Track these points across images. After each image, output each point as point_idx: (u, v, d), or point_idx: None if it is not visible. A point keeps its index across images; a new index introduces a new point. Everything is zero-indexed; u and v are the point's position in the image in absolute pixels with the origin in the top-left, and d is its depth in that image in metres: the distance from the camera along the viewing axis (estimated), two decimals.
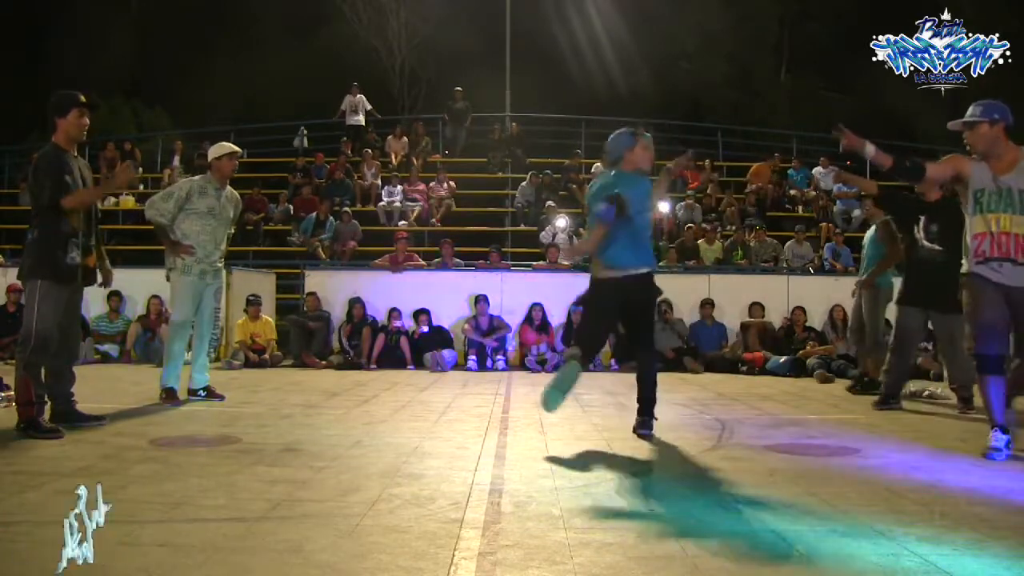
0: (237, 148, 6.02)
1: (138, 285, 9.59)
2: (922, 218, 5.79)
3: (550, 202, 13.45)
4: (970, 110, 4.19)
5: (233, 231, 6.19)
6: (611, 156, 4.54)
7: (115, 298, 9.65)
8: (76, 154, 4.54)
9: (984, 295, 4.04)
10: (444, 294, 9.86)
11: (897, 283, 6.50)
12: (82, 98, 4.45)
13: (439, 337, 9.34)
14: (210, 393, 5.78)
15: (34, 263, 4.30)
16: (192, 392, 5.77)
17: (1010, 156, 4.06)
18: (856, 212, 13.08)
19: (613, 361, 9.43)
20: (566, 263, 10.16)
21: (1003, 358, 4.05)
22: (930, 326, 5.92)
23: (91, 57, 21.70)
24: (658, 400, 4.49)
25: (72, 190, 4.32)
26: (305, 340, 9.55)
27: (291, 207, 13.72)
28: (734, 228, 12.73)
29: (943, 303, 5.57)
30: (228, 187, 5.94)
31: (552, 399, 4.13)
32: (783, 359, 8.82)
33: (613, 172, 4.49)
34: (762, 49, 25.95)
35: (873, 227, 7.02)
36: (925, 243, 5.76)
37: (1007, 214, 4.01)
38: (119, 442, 4.00)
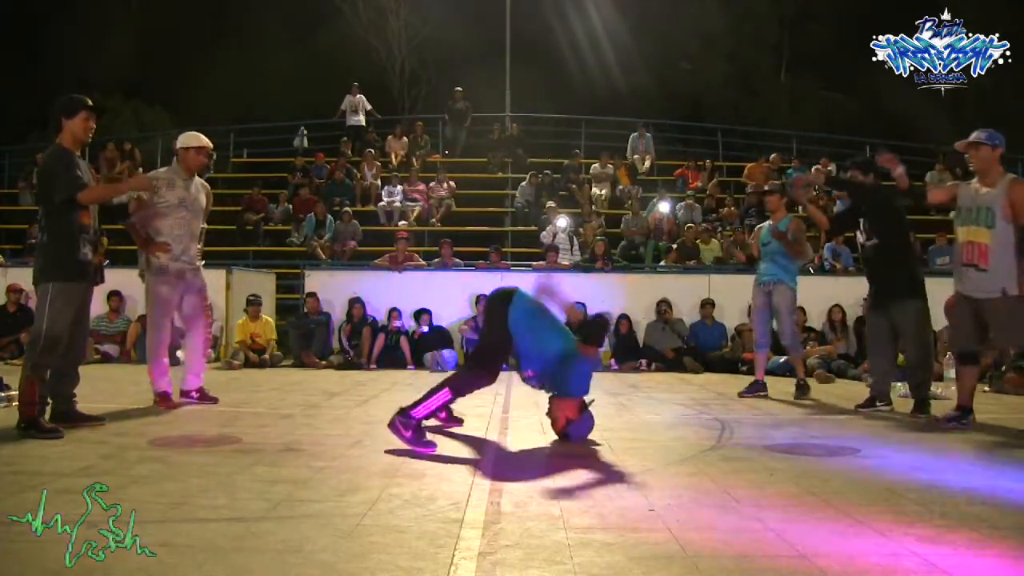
0: (207, 142, 5.63)
1: (138, 285, 9.45)
2: (862, 220, 5.84)
3: (550, 202, 13.45)
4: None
5: (206, 226, 5.82)
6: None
7: (115, 298, 9.66)
8: (80, 155, 4.57)
9: None
10: (444, 294, 9.85)
11: (801, 281, 6.70)
12: (90, 102, 4.49)
13: (439, 337, 9.34)
14: (203, 396, 5.61)
15: (46, 265, 4.31)
16: (184, 394, 5.58)
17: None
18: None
19: (613, 361, 9.43)
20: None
21: None
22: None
23: (91, 57, 21.70)
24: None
25: (86, 185, 4.35)
26: (305, 340, 9.55)
27: (291, 207, 13.72)
28: (733, 228, 12.74)
29: (896, 291, 5.58)
30: (196, 178, 5.64)
31: None
32: (783, 359, 8.80)
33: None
34: (762, 49, 25.96)
35: (773, 224, 6.72)
36: (867, 242, 5.79)
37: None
38: (119, 442, 4.00)
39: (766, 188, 7.20)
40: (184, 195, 5.48)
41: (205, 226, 5.87)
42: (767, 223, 6.90)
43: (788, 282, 6.52)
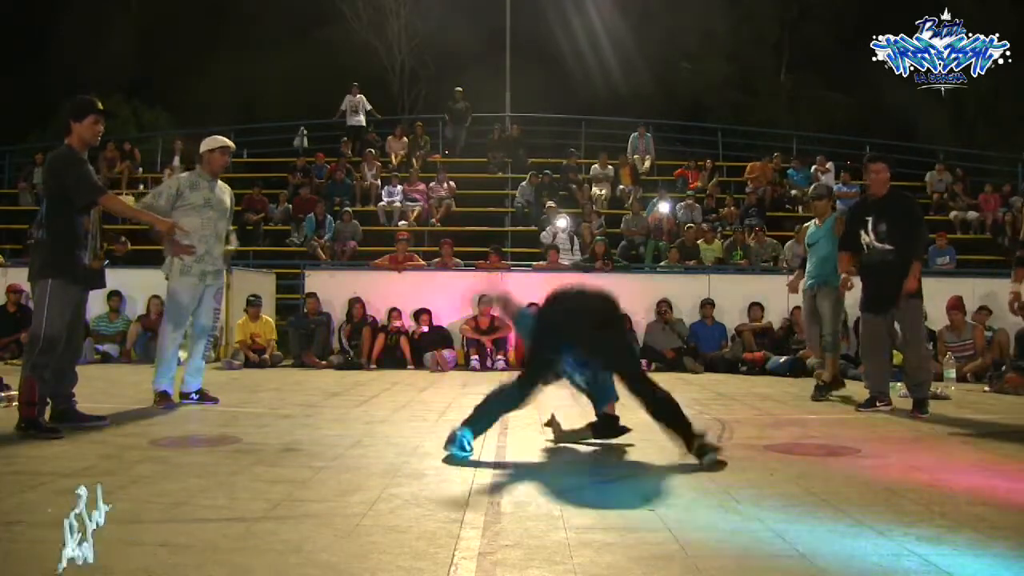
0: (230, 143, 5.82)
1: (138, 285, 9.59)
2: (869, 219, 5.65)
3: (550, 202, 13.45)
4: None
5: (233, 228, 6.00)
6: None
7: (115, 298, 9.65)
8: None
9: None
10: (444, 294, 9.85)
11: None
12: (100, 105, 4.51)
13: (439, 337, 9.34)
14: (203, 396, 5.62)
15: (44, 263, 4.31)
16: (184, 395, 5.59)
17: None
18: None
19: None
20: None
21: None
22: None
23: (91, 57, 21.67)
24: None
25: (105, 191, 4.37)
26: (305, 340, 9.56)
27: (291, 207, 13.73)
28: (734, 228, 12.75)
29: (900, 295, 5.48)
30: (218, 180, 5.76)
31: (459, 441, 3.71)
32: (783, 359, 8.82)
33: None
34: (762, 49, 25.92)
35: (818, 225, 6.76)
36: (876, 244, 5.61)
37: None
38: (119, 442, 4.01)
39: (811, 195, 7.19)
40: (209, 196, 5.57)
41: (233, 227, 5.98)
42: (811, 222, 6.92)
43: (832, 282, 6.37)
